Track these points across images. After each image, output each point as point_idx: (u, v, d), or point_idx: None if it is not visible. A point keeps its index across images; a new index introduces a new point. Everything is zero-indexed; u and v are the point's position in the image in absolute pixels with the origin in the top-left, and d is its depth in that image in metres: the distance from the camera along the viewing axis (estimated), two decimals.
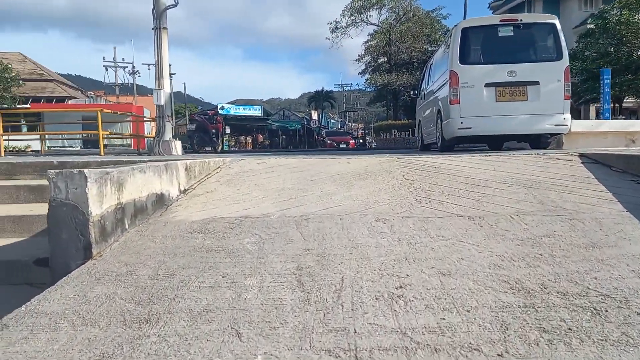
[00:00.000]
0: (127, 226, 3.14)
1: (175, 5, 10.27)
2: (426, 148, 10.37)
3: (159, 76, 10.15)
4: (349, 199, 3.92)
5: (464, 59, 7.14)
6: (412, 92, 11.38)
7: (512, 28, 7.04)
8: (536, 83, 6.90)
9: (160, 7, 10.06)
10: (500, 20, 7.11)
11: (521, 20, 7.07)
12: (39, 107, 39.42)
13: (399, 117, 43.35)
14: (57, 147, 40.12)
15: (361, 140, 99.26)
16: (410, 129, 30.50)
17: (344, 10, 37.76)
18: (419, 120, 10.75)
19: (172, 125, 10.37)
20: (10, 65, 37.92)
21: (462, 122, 7.09)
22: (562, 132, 7.16)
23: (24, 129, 41.92)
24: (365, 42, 42.15)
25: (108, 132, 10.47)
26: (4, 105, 37.11)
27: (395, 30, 37.34)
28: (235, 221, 3.38)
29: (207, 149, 12.27)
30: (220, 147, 12.92)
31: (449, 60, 7.28)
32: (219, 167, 5.38)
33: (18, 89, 37.80)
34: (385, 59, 40.32)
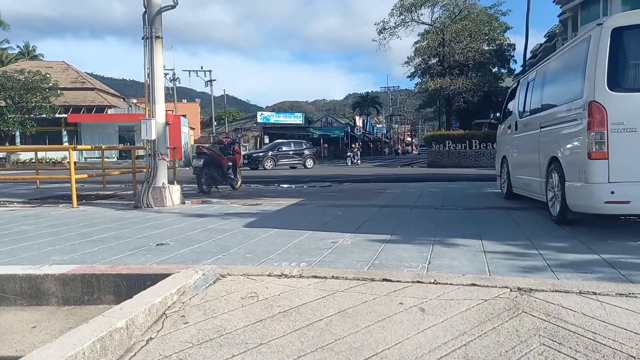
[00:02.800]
0: None
1: (174, 7, 7.77)
2: (513, 197, 7.32)
3: (151, 100, 7.67)
4: None
5: (617, 81, 4.13)
6: (491, 117, 8.34)
7: None
8: None
9: (153, 9, 7.59)
10: None
11: None
12: (77, 117, 38.73)
13: (452, 125, 39.76)
14: (95, 157, 39.39)
15: (401, 150, 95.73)
16: (467, 141, 27.00)
17: (392, 9, 34.62)
18: (504, 156, 7.70)
19: (167, 163, 7.85)
20: (48, 75, 37.42)
21: (613, 192, 4.08)
22: None
23: (65, 139, 41.67)
24: (415, 43, 38.82)
25: (85, 176, 8.07)
26: (42, 115, 36.64)
27: (450, 29, 33.81)
28: None
29: (220, 187, 9.69)
30: (239, 183, 10.33)
31: (585, 82, 4.29)
32: (159, 320, 2.69)
33: (56, 98, 37.23)
34: (437, 61, 36.83)
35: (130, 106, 43.81)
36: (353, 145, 37.23)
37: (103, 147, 10.04)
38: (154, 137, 7.50)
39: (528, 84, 6.54)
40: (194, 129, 49.59)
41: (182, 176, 11.54)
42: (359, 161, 32.23)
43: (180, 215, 6.52)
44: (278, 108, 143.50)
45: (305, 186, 11.75)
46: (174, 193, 7.73)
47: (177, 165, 22.72)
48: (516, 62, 42.98)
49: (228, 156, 10.02)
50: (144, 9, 7.65)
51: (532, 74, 6.38)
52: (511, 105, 7.51)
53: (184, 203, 7.96)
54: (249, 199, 8.54)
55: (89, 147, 10.49)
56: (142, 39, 7.61)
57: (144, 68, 7.65)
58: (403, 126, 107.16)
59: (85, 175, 7.92)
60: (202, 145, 9.57)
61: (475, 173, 16.35)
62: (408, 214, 6.33)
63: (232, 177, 9.99)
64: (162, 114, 7.75)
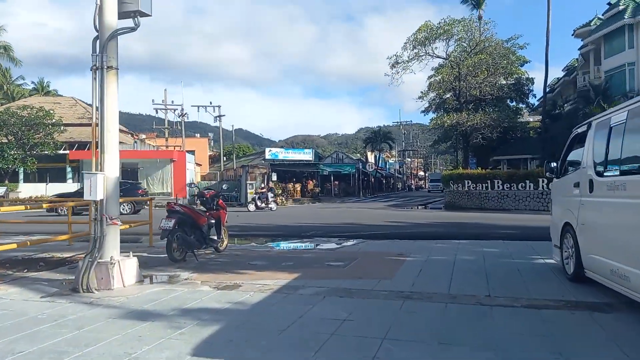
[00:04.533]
0: None
1: (134, 30, 6.13)
2: (583, 279, 5.29)
3: (100, 147, 5.92)
4: None
5: None
6: (545, 168, 6.38)
7: None
8: None
9: (106, 32, 5.95)
10: None
11: None
12: (78, 154, 37.52)
13: (469, 162, 37.80)
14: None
15: (414, 185, 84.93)
16: (489, 181, 24.89)
17: (405, 43, 33.33)
18: (567, 223, 5.70)
19: (119, 226, 6.01)
20: (52, 111, 36.61)
21: None
22: None
23: (69, 175, 40.53)
24: (429, 77, 37.35)
25: (14, 246, 6.20)
26: (45, 152, 35.54)
27: (466, 63, 32.32)
28: None
29: (198, 252, 7.78)
30: (225, 243, 8.47)
31: None
32: None
33: (59, 135, 36.27)
34: (453, 96, 35.22)
35: (136, 142, 42.70)
36: (262, 186, 28.22)
37: (27, 207, 8.12)
38: (100, 196, 5.68)
39: (611, 128, 4.62)
40: (200, 165, 48.24)
41: None
42: (272, 205, 23.13)
43: (117, 314, 4.59)
44: (291, 142, 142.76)
45: (306, 245, 9.80)
46: (126, 270, 5.83)
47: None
48: (535, 97, 41.33)
49: (210, 212, 8.18)
50: (96, 33, 5.99)
51: (621, 114, 4.47)
52: (577, 156, 5.59)
53: (141, 281, 6.05)
54: (229, 272, 6.60)
55: (21, 207, 8.60)
56: (91, 69, 5.91)
57: (93, 106, 5.92)
58: (415, 160, 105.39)
59: (14, 246, 6.09)
60: (174, 202, 7.69)
61: (508, 223, 14.22)
62: (445, 318, 4.33)
63: (215, 238, 8.10)
64: (113, 166, 5.96)
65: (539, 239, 9.67)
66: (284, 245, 9.51)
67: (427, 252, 8.10)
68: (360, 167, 46.27)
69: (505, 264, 6.94)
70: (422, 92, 37.61)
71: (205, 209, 8.25)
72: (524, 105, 41.13)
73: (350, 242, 9.82)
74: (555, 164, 6.26)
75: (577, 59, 41.78)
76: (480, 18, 37.77)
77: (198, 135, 74.60)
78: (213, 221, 8.05)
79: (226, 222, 8.52)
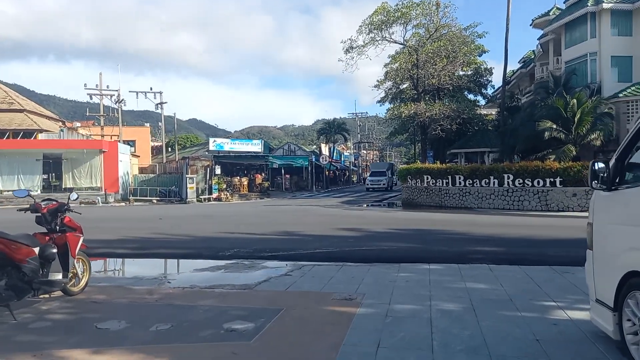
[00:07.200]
0: None
1: None
2: None
3: None
4: None
5: None
6: (591, 174, 3.82)
7: None
8: None
9: None
10: None
11: None
12: None
13: (427, 155, 35.96)
14: (11, 190, 33.13)
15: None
16: (450, 177, 22.83)
17: (360, 26, 30.78)
18: (628, 272, 3.17)
19: None
20: None
21: None
22: None
23: None
24: (386, 65, 35.06)
25: None
26: None
27: (425, 49, 30.16)
28: None
29: (36, 297, 4.79)
30: (82, 282, 5.51)
31: None
32: None
33: None
34: (411, 85, 33.09)
35: (62, 130, 37.95)
36: None
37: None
38: None
39: None
40: (139, 156, 43.90)
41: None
42: None
43: None
44: (247, 133, 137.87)
45: (213, 277, 6.97)
46: None
47: (112, 200, 17.28)
48: (493, 87, 40.03)
49: (52, 235, 5.19)
50: None
51: None
52: None
53: None
54: (42, 356, 3.67)
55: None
56: None
57: None
58: (371, 152, 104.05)
59: None
60: None
61: (483, 231, 11.87)
62: None
63: (59, 277, 5.09)
64: None
65: (534, 262, 7.30)
66: (180, 278, 6.59)
67: (387, 293, 5.45)
68: (314, 159, 43.58)
69: (511, 322, 4.37)
70: (378, 81, 35.33)
71: (47, 230, 5.25)
72: (481, 97, 39.79)
73: (281, 270, 7.03)
74: (602, 165, 3.72)
75: (533, 51, 40.75)
76: (438, 5, 35.84)
77: (148, 124, 69.27)
78: (54, 251, 5.04)
79: (81, 248, 5.52)
